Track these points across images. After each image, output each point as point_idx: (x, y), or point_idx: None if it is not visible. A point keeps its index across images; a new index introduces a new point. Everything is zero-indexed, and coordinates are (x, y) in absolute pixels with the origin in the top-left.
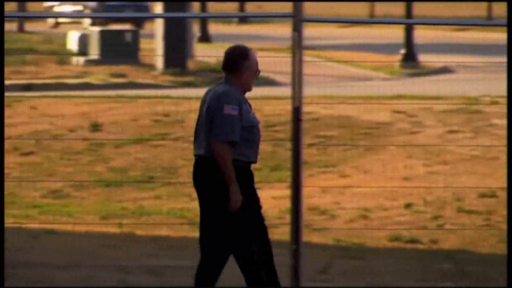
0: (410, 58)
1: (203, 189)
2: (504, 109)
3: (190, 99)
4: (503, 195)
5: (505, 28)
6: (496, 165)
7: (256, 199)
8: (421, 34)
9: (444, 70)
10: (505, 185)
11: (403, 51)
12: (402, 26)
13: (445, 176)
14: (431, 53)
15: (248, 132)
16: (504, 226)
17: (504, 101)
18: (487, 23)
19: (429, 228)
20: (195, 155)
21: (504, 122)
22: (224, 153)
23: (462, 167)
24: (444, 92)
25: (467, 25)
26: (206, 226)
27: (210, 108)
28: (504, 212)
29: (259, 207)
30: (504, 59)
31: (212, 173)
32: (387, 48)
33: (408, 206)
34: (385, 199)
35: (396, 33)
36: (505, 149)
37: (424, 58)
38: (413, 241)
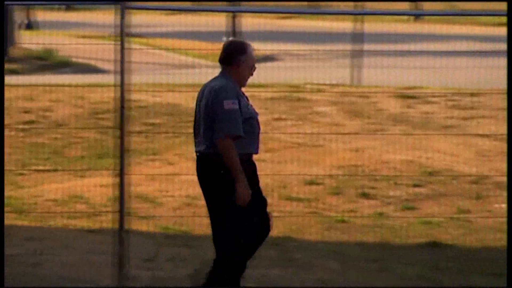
0: None
1: (207, 185)
2: (328, 96)
3: (15, 87)
4: (328, 182)
5: (332, 17)
6: (320, 152)
7: (259, 193)
8: (247, 22)
9: (269, 57)
10: (330, 172)
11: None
12: (228, 14)
13: (271, 163)
14: (257, 41)
15: (247, 125)
16: (329, 213)
17: (328, 88)
18: (485, 13)
19: None
20: (195, 152)
21: (328, 109)
22: (227, 148)
23: (287, 154)
24: (270, 79)
25: (462, 15)
26: (217, 223)
27: (208, 104)
28: (329, 199)
29: (263, 200)
30: (328, 46)
31: (214, 169)
32: (213, 36)
33: None
34: None
35: (221, 21)
36: (329, 136)
37: None
38: None
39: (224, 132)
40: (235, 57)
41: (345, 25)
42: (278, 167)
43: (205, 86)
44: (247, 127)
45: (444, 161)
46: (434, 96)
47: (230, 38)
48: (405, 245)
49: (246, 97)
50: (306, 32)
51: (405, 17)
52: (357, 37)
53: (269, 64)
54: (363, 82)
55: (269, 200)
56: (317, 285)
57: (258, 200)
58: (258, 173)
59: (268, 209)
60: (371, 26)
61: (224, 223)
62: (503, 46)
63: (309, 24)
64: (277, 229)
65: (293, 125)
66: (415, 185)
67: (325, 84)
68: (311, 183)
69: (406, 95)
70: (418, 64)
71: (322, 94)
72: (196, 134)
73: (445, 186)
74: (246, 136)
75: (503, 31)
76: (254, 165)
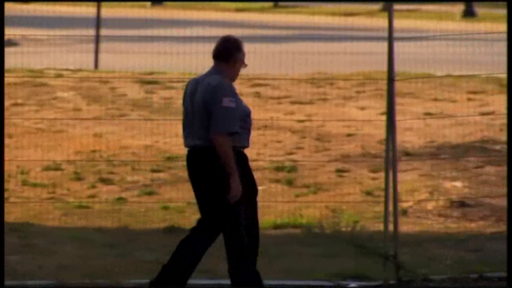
0: None
1: (204, 179)
2: (69, 82)
3: None
4: (68, 167)
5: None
6: (60, 138)
7: (253, 183)
8: None
9: (8, 42)
10: (70, 157)
11: None
12: None
13: (10, 149)
14: None
15: (243, 121)
16: (69, 199)
17: (69, 73)
18: None
19: None
20: (189, 146)
21: (69, 94)
22: (225, 144)
23: (27, 140)
24: (9, 65)
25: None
26: (213, 216)
27: (207, 100)
28: (69, 185)
29: (255, 192)
30: (68, 31)
31: (212, 163)
32: None
33: None
34: None
35: None
36: (70, 122)
37: None
38: None
39: (222, 129)
40: (233, 54)
41: (83, 10)
42: (17, 153)
43: (197, 81)
44: (243, 124)
45: (182, 146)
46: (173, 82)
47: (225, 34)
48: (144, 230)
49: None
50: (45, 16)
51: (144, 3)
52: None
53: (8, 49)
54: (103, 67)
55: (7, 186)
56: (58, 271)
57: (253, 188)
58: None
59: (7, 194)
60: (108, 11)
61: (222, 215)
62: (246, 32)
63: (48, 9)
64: (16, 215)
65: (34, 111)
66: (154, 170)
67: (66, 70)
68: (50, 168)
69: (146, 81)
70: (156, 49)
71: (63, 79)
72: (186, 127)
73: (184, 171)
74: (242, 131)
75: (242, 16)
76: (246, 155)
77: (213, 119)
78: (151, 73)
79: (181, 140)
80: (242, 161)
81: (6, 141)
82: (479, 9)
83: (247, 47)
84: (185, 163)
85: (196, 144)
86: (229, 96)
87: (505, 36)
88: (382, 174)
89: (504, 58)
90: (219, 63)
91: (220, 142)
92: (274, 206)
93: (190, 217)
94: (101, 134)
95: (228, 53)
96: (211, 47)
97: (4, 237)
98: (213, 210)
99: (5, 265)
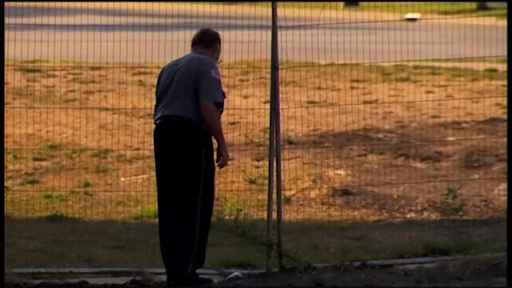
0: None
1: (180, 146)
2: None
3: None
4: None
5: None
6: None
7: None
8: None
9: None
10: None
11: None
12: None
13: None
14: None
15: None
16: None
17: None
18: None
19: None
20: (163, 116)
21: None
22: (214, 110)
23: None
24: None
25: None
26: (184, 184)
27: (193, 69)
28: None
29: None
30: None
31: (192, 131)
32: None
33: None
34: None
35: None
36: None
37: None
38: None
39: (210, 97)
40: (214, 43)
41: None
42: None
43: (179, 60)
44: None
45: (65, 135)
46: (55, 70)
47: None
48: (26, 219)
49: None
50: None
51: None
52: None
53: None
54: None
55: None
56: None
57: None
58: None
59: None
60: None
61: (194, 183)
62: (130, 20)
63: None
64: None
65: None
66: (37, 159)
67: None
68: None
69: (28, 69)
70: (39, 37)
71: None
72: (161, 101)
73: (67, 160)
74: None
75: (126, 4)
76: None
77: (202, 88)
78: (33, 61)
79: (63, 128)
80: (210, 143)
81: None
82: None
83: (130, 36)
84: (68, 151)
85: (175, 114)
86: (216, 70)
87: (386, 25)
88: (265, 163)
89: (387, 47)
90: (199, 47)
91: (209, 108)
92: (156, 195)
93: (73, 206)
94: None
95: (210, 40)
96: (94, 35)
97: None
98: (183, 180)
99: None
